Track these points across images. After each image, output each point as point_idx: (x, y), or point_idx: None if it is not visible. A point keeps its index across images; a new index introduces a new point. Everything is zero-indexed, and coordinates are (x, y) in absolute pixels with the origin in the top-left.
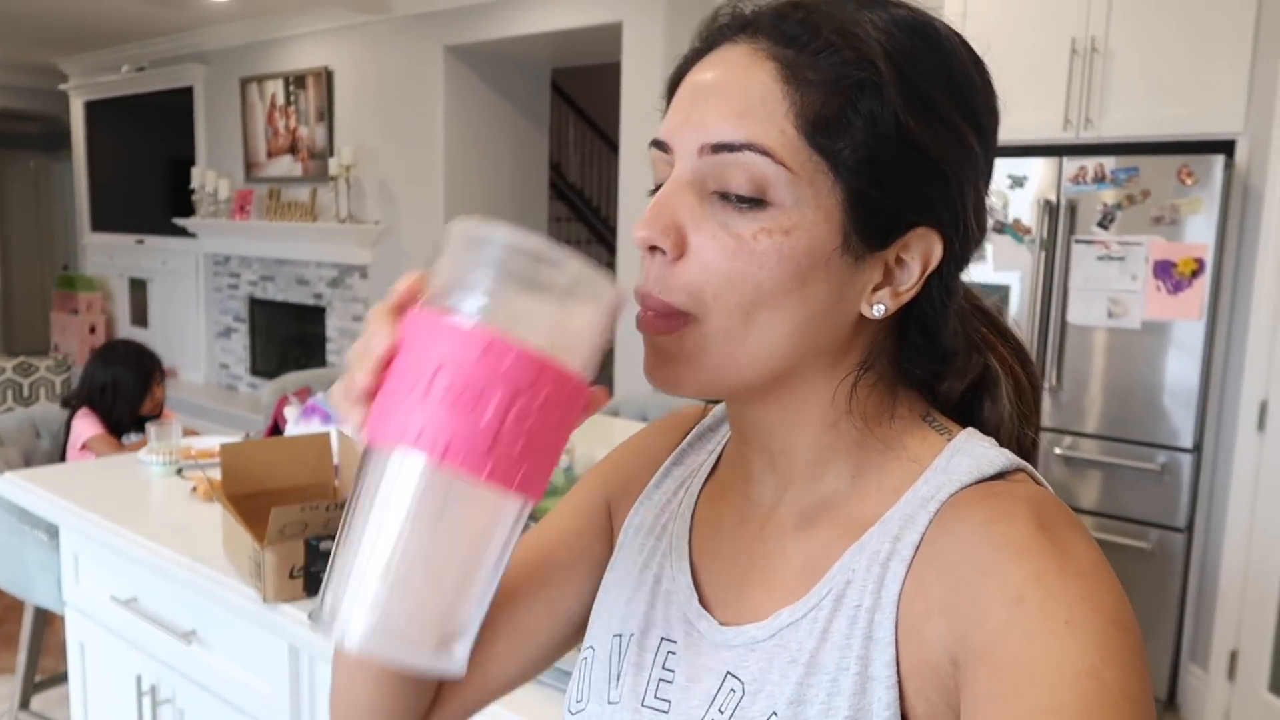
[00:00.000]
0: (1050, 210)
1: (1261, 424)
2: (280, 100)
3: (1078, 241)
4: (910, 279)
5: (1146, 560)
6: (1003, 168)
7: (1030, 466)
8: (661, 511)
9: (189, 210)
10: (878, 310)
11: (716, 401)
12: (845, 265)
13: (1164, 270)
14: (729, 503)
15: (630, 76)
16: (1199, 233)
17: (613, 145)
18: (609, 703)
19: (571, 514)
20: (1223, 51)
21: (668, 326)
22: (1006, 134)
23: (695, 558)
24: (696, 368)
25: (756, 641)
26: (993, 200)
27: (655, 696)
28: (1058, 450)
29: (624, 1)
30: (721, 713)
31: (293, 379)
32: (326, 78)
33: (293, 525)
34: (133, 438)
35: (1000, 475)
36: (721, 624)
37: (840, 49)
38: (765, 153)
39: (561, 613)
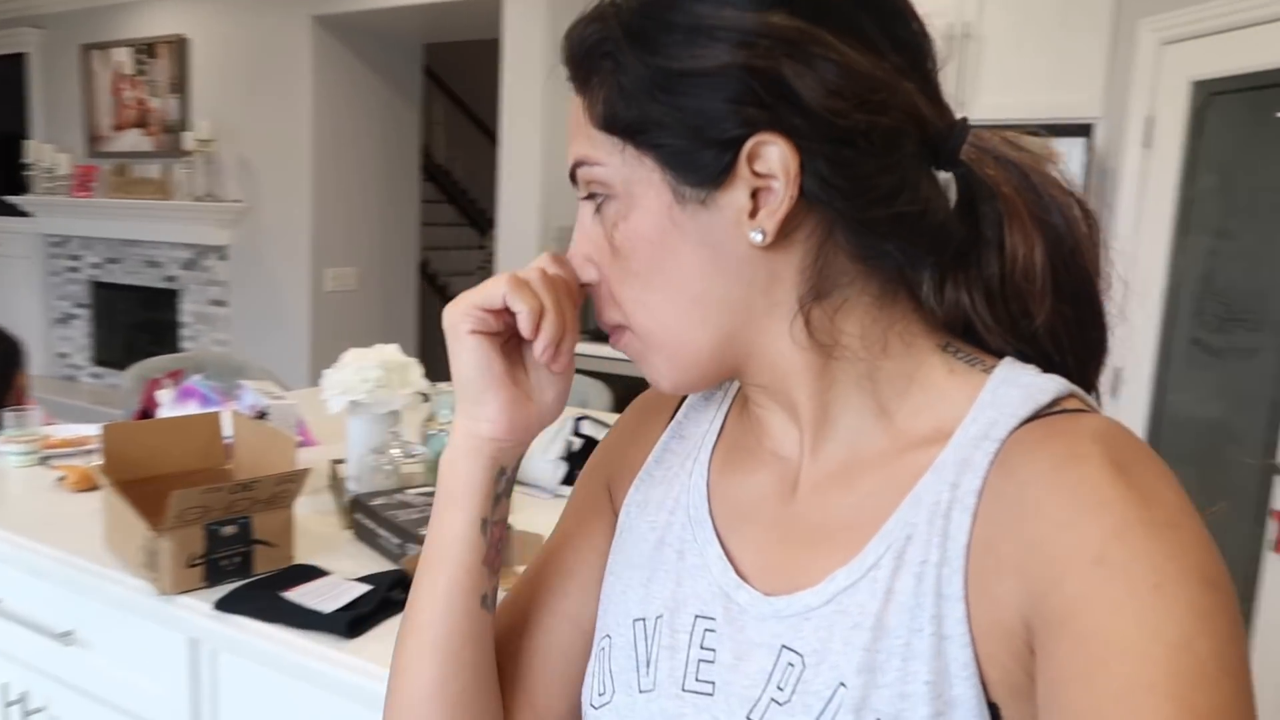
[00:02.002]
0: None
1: (1115, 391)
2: (128, 69)
3: None
4: (779, 193)
5: None
6: None
7: (1080, 391)
8: (669, 486)
9: (22, 188)
10: (756, 237)
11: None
12: (694, 214)
13: None
14: (752, 466)
15: (512, 54)
16: None
17: (482, 125)
18: (640, 691)
19: (574, 516)
20: (1084, 36)
21: (618, 340)
22: None
23: (720, 527)
24: (651, 365)
25: (811, 609)
26: (851, 60)
27: (697, 679)
28: None
29: None
30: (781, 690)
31: (157, 363)
32: (180, 46)
33: (192, 510)
34: None
35: (1054, 403)
36: (766, 594)
37: (587, 41)
38: (582, 162)
39: (587, 624)
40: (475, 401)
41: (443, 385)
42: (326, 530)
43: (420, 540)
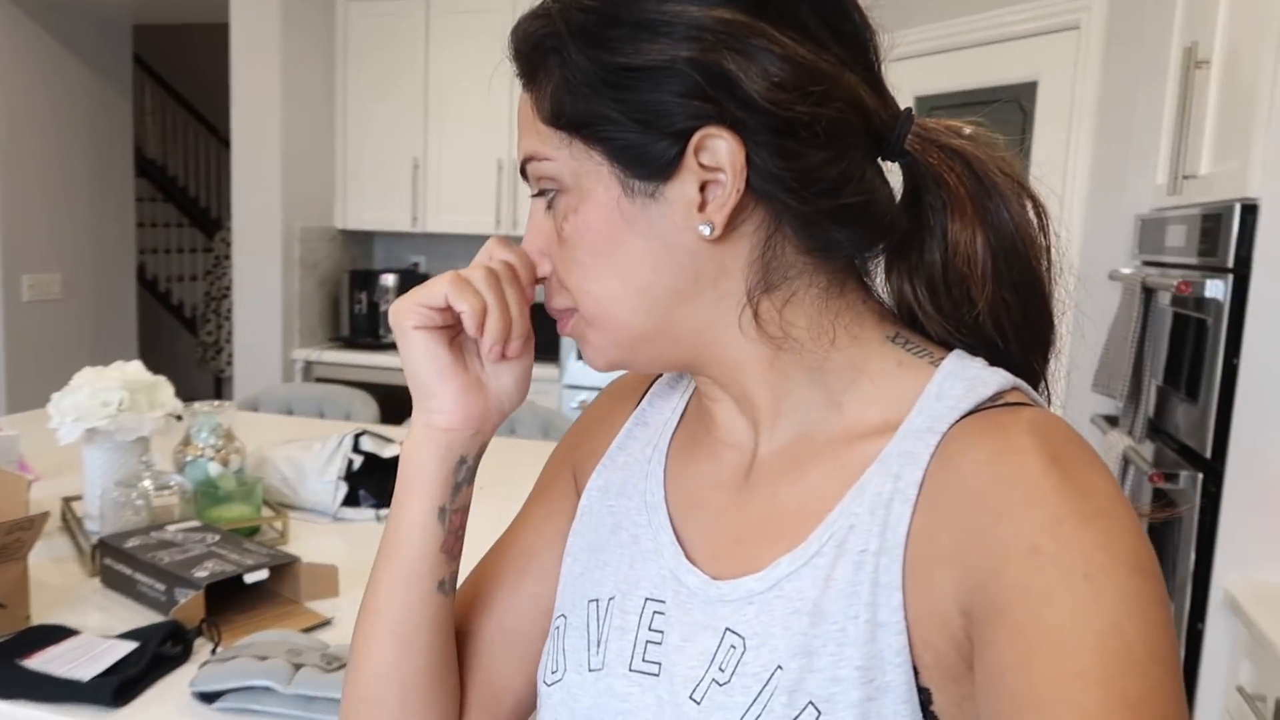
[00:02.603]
0: None
1: None
2: None
3: None
4: (727, 187)
5: None
6: None
7: (1024, 384)
8: (629, 472)
9: None
10: (704, 230)
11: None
12: (643, 206)
13: None
14: (706, 454)
15: (242, 40)
16: None
17: (200, 117)
18: (589, 670)
19: (538, 500)
20: None
21: (564, 323)
22: None
23: (674, 514)
24: (591, 345)
25: (754, 594)
26: (792, 52)
27: (644, 660)
28: None
29: None
30: (723, 671)
31: None
32: None
33: None
34: None
35: (997, 396)
36: (713, 578)
37: (533, 35)
38: (531, 157)
39: (546, 604)
40: (428, 394)
41: (198, 405)
42: (65, 580)
43: (194, 583)
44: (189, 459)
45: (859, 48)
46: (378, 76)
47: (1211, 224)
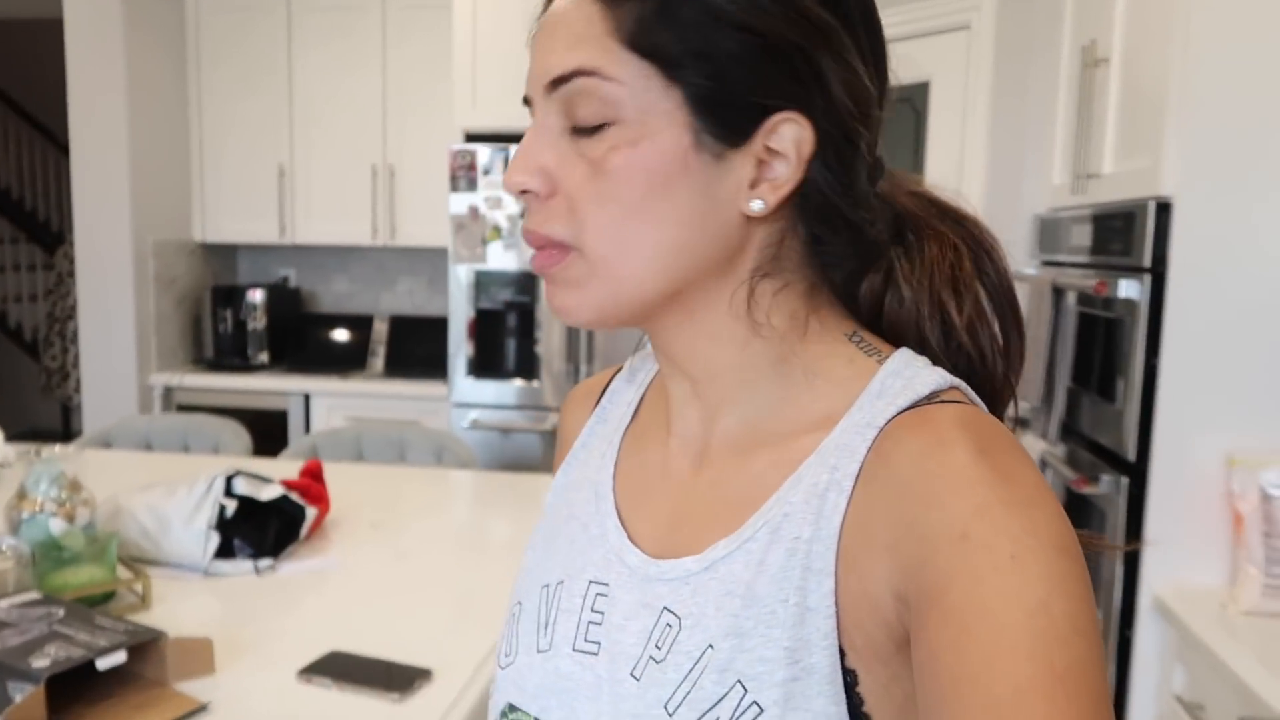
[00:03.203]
0: None
1: None
2: None
3: None
4: (787, 170)
5: None
6: None
7: (963, 385)
8: (586, 467)
9: None
10: (756, 206)
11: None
12: (706, 165)
13: None
14: (655, 443)
15: (78, 37)
16: None
17: (36, 123)
18: (538, 651)
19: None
20: None
21: (553, 260)
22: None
23: (621, 501)
24: (585, 292)
25: (691, 574)
26: (863, 73)
27: (586, 640)
28: None
29: None
30: (659, 649)
31: None
32: None
33: None
34: None
35: (934, 395)
36: (654, 558)
37: None
38: (592, 73)
39: None
40: None
41: (35, 451)
42: None
43: (31, 675)
44: (26, 516)
45: (883, 91)
46: (236, 77)
47: (1122, 222)
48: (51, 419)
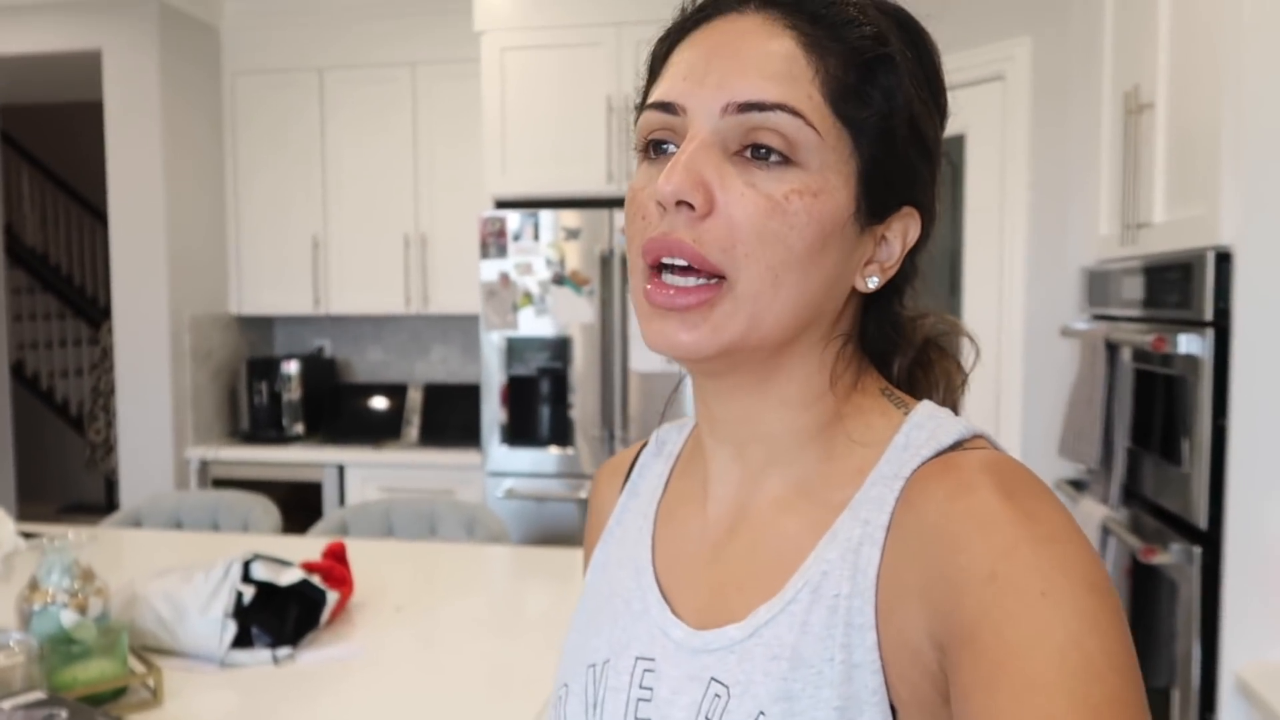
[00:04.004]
0: (605, 261)
1: None
2: None
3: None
4: (893, 255)
5: None
6: (558, 220)
7: (988, 433)
8: (623, 544)
9: None
10: (872, 283)
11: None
12: (853, 235)
13: None
14: (690, 513)
15: (118, 118)
16: None
17: (84, 201)
18: None
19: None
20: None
21: (702, 299)
22: (559, 186)
23: (661, 574)
24: (719, 329)
25: (735, 642)
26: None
27: (635, 717)
28: None
29: (102, 25)
30: None
31: None
32: None
33: None
34: None
35: (958, 444)
36: (697, 629)
37: (859, 24)
38: (797, 114)
39: None
40: None
41: (46, 538)
42: None
43: None
44: (37, 608)
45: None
46: (270, 151)
47: (1179, 274)
48: (96, 493)
